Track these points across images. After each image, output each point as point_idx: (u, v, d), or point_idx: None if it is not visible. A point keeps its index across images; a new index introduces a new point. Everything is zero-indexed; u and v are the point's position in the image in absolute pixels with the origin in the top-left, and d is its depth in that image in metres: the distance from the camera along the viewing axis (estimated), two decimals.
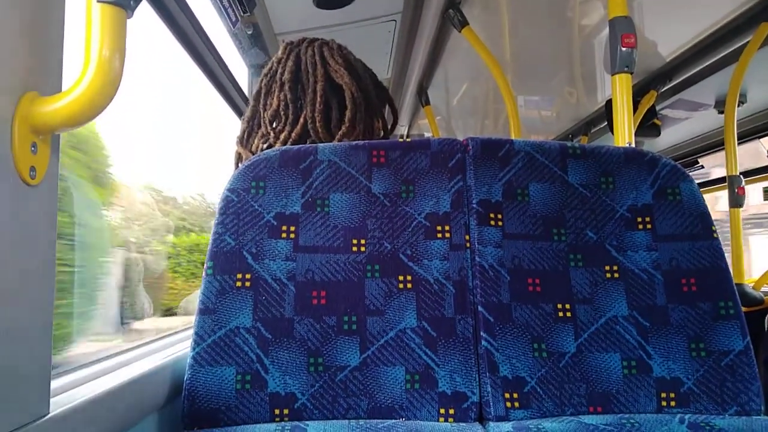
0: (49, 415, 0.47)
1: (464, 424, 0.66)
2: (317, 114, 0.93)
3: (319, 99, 0.93)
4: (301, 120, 0.94)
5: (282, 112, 0.96)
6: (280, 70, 0.97)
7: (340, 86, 0.94)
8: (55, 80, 0.49)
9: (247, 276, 0.69)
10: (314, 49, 0.97)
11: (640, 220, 0.76)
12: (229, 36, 1.67)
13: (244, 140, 1.01)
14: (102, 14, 0.47)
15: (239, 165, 0.90)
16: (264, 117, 0.98)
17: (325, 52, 0.97)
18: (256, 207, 0.72)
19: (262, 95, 0.99)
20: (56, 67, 0.50)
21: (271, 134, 0.96)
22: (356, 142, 0.77)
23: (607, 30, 1.15)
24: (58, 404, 0.49)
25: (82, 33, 0.47)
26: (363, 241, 0.72)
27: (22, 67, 0.45)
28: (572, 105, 2.50)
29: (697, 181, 0.78)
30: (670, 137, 2.71)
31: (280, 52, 1.00)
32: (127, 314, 1.40)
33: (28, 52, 0.46)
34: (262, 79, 1.00)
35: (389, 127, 1.07)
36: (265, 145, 0.97)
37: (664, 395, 0.69)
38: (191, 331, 0.68)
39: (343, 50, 1.00)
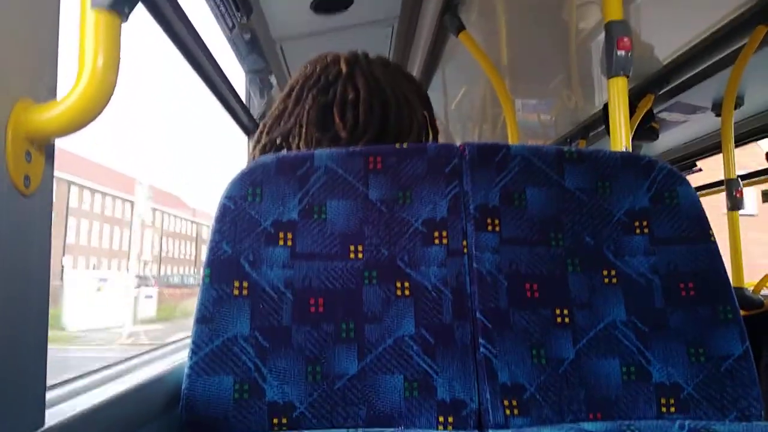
0: (45, 427, 0.46)
1: (463, 431, 0.66)
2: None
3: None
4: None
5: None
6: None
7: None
8: (49, 87, 0.49)
9: (245, 284, 0.69)
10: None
11: (637, 224, 0.75)
12: (227, 41, 1.68)
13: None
14: (96, 20, 0.46)
15: None
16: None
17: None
18: (253, 214, 0.71)
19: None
20: (51, 74, 0.49)
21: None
22: (353, 148, 0.76)
23: (603, 34, 1.15)
24: (54, 416, 0.49)
25: (77, 39, 0.47)
26: (360, 248, 0.72)
27: (15, 73, 0.45)
28: (570, 109, 2.50)
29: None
30: (667, 140, 2.72)
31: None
32: None
33: (22, 58, 0.45)
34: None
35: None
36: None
37: (663, 401, 0.68)
38: (188, 341, 0.67)
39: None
